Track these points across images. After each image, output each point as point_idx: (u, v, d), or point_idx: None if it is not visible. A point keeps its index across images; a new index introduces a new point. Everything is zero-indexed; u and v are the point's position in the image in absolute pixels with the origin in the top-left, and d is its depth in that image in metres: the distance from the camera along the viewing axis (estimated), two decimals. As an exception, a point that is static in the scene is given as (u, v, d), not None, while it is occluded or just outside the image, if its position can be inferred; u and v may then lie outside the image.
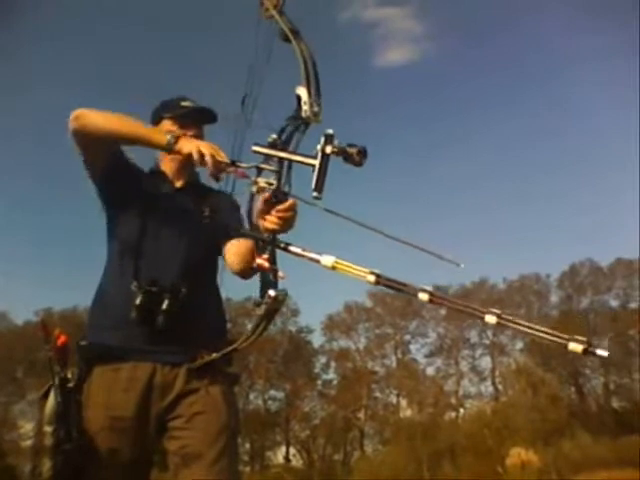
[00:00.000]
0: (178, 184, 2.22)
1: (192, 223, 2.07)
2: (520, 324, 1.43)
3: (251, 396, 39.05)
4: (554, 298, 40.92)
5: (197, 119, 2.20)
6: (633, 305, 38.74)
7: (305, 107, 1.67)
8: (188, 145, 1.84)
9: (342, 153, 1.57)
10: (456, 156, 53.73)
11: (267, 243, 1.70)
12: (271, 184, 1.68)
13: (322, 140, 1.59)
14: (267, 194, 1.68)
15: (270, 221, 1.67)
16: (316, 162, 1.58)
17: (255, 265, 1.71)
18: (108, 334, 2.03)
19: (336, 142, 1.58)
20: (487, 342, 40.72)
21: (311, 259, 1.60)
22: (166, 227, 2.11)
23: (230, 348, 1.91)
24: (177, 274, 2.01)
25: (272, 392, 40.76)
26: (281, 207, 1.67)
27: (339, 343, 42.74)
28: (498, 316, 1.44)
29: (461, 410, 38.72)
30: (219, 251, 2.15)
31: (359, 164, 1.58)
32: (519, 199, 53.36)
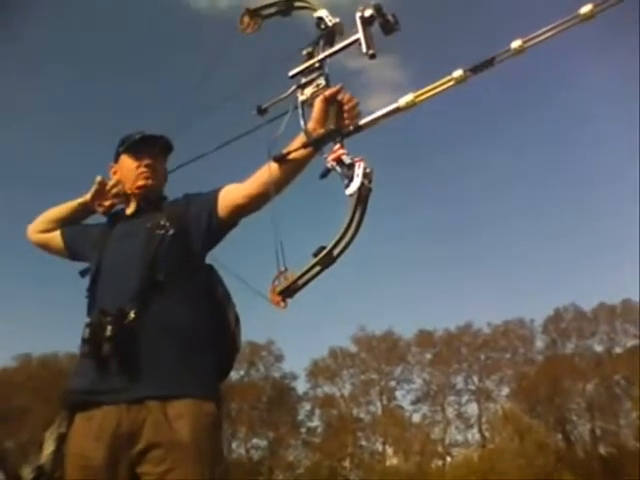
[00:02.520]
0: (130, 211, 2.27)
1: (148, 243, 2.06)
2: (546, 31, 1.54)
3: (233, 445, 38.18)
4: (539, 343, 40.94)
5: (149, 148, 2.25)
6: (617, 350, 38.84)
7: (327, 19, 1.91)
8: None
9: (379, 16, 1.74)
10: (440, 202, 54.42)
11: (344, 135, 1.77)
12: (319, 85, 1.85)
13: (358, 12, 1.76)
14: (330, 91, 1.83)
15: (347, 117, 1.80)
16: (359, 33, 1.75)
17: (330, 162, 1.72)
18: (78, 378, 2.00)
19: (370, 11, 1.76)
20: (473, 388, 40.43)
21: (389, 112, 1.71)
22: (119, 257, 2.11)
23: (323, 253, 1.65)
24: (127, 298, 1.96)
25: (255, 440, 39.98)
26: (347, 99, 1.80)
27: (324, 389, 42.26)
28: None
29: (448, 458, 38.15)
30: (192, 264, 2.11)
31: (395, 28, 1.75)
32: (502, 244, 53.89)
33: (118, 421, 1.86)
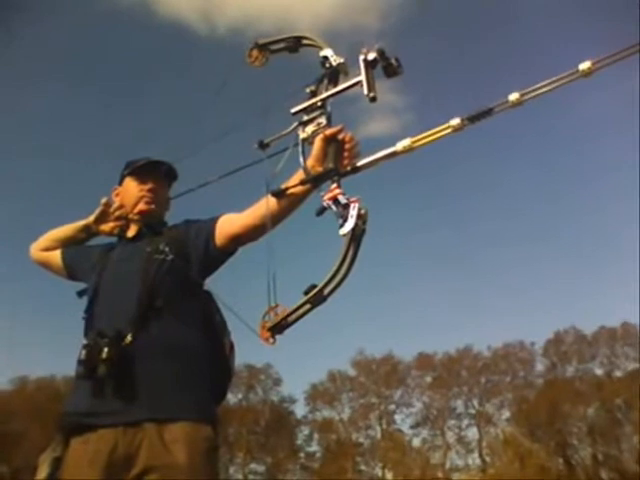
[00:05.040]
0: (131, 234, 2.29)
1: (147, 267, 2.07)
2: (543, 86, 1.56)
3: (231, 470, 37.70)
4: (539, 366, 40.73)
5: (153, 173, 2.28)
6: (618, 373, 38.64)
7: (332, 59, 1.93)
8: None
9: (383, 59, 1.76)
10: (441, 224, 54.56)
11: (341, 174, 1.77)
12: (320, 124, 1.86)
13: (362, 54, 1.80)
14: (331, 130, 1.84)
15: (348, 156, 1.81)
16: (361, 76, 1.78)
17: (326, 201, 1.72)
18: (74, 400, 1.99)
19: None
20: (473, 412, 40.10)
21: (387, 156, 1.73)
22: (118, 279, 2.12)
23: (314, 292, 1.65)
24: (125, 321, 1.96)
25: (253, 465, 39.52)
26: (349, 138, 1.82)
27: (322, 413, 41.92)
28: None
29: (448, 483, 37.67)
30: (192, 287, 2.10)
31: (397, 71, 1.78)
32: (502, 267, 53.85)
33: (114, 444, 1.85)
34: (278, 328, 1.66)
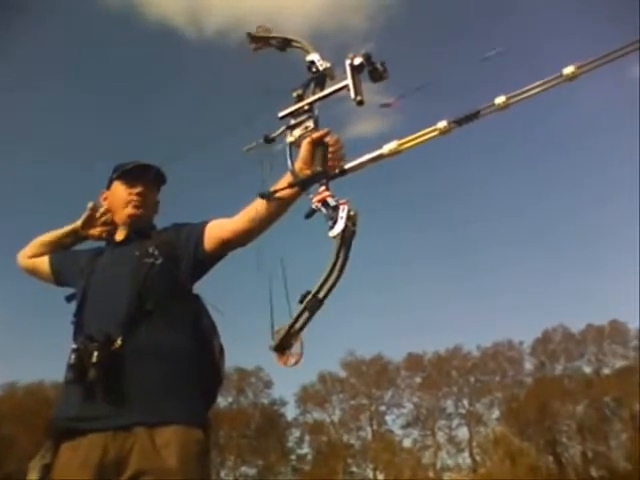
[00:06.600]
0: (119, 238, 2.28)
1: (137, 271, 2.07)
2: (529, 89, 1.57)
3: (222, 473, 37.58)
4: (528, 365, 40.96)
5: (142, 177, 2.27)
6: (606, 371, 38.93)
7: (319, 63, 1.95)
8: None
9: (369, 64, 1.78)
10: (430, 225, 54.72)
11: (329, 177, 1.78)
12: (307, 127, 1.88)
13: (348, 59, 1.81)
14: (318, 134, 1.84)
15: (332, 159, 1.82)
16: (348, 80, 1.80)
17: (315, 203, 1.71)
18: (63, 406, 1.98)
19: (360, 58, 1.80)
20: (463, 411, 40.25)
21: (373, 158, 1.74)
22: (107, 284, 2.11)
23: (309, 298, 1.63)
24: (115, 325, 1.96)
25: (244, 469, 39.45)
26: (333, 142, 1.84)
27: (313, 415, 41.90)
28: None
29: (440, 483, 37.76)
30: (182, 290, 2.11)
31: (383, 76, 1.80)
32: (491, 266, 54.10)
33: (104, 449, 1.84)
34: (285, 344, 1.62)
